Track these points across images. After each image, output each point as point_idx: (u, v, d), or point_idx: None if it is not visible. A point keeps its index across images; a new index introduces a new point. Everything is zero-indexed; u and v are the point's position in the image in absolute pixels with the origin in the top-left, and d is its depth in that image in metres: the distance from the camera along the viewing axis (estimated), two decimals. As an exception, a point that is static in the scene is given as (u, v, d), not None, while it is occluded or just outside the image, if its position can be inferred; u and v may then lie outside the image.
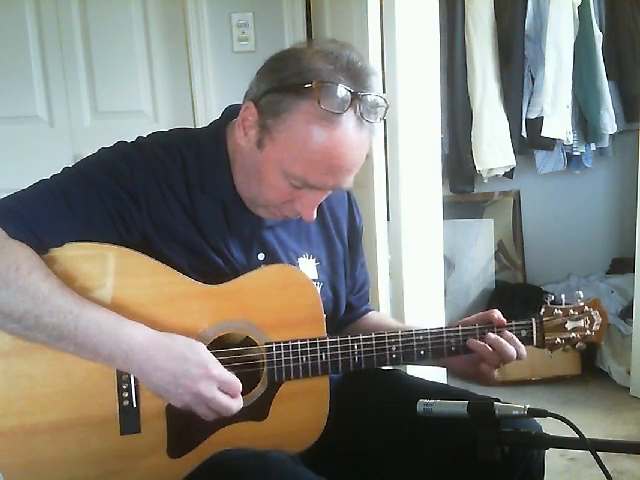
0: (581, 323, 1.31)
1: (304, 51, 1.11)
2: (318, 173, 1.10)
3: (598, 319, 1.32)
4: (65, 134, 2.94)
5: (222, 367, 1.11)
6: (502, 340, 1.24)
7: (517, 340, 1.25)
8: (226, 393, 1.10)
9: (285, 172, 1.11)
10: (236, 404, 1.11)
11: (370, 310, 1.48)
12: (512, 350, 1.23)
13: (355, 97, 1.07)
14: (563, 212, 3.45)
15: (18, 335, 1.07)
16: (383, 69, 2.31)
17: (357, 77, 1.08)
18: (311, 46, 1.12)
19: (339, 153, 1.08)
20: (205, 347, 1.12)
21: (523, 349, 1.25)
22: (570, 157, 3.21)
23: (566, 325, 1.30)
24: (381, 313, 1.86)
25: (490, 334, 1.25)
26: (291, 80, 1.08)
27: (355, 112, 1.07)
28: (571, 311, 1.30)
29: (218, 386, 1.09)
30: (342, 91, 1.06)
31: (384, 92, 2.32)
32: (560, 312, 1.29)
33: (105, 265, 1.12)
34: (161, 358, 1.07)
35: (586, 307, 1.31)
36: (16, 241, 1.08)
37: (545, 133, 3.01)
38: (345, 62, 1.08)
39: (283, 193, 1.14)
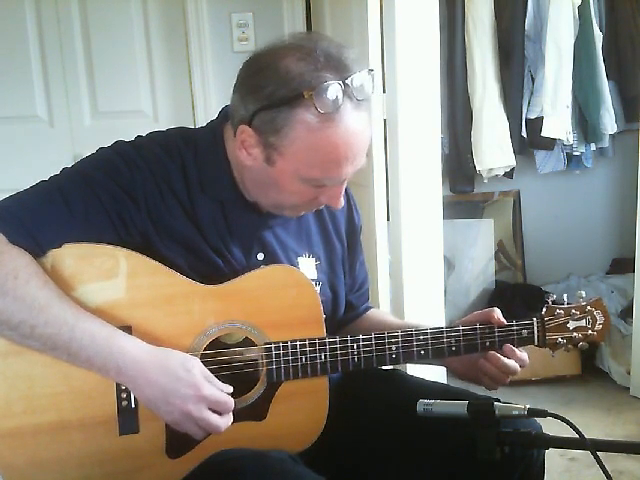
0: (583, 323, 1.30)
1: (275, 58, 1.09)
2: (335, 168, 1.11)
3: (600, 319, 1.31)
4: (65, 134, 2.94)
5: (215, 384, 1.10)
6: (502, 359, 1.24)
7: (517, 352, 1.25)
8: (216, 411, 1.09)
9: (303, 178, 1.12)
10: (224, 422, 1.10)
11: (370, 308, 1.48)
12: (514, 365, 1.24)
13: (344, 85, 1.06)
14: (563, 212, 3.45)
15: (14, 342, 1.07)
16: (383, 69, 2.31)
17: (338, 65, 1.07)
18: (277, 51, 1.10)
19: (349, 143, 1.09)
20: (200, 363, 1.11)
21: (525, 359, 1.26)
22: (570, 157, 3.20)
23: (568, 325, 1.30)
24: (381, 310, 1.85)
25: (490, 353, 1.25)
26: (278, 94, 1.06)
27: (350, 99, 1.07)
28: (573, 311, 1.30)
29: (208, 406, 1.09)
30: (332, 88, 1.05)
31: (384, 92, 2.32)
32: (562, 312, 1.29)
33: (104, 266, 1.12)
34: (154, 373, 1.07)
35: (588, 307, 1.31)
36: (15, 247, 1.08)
37: (545, 133, 3.00)
38: (323, 57, 1.07)
39: (306, 195, 1.16)
